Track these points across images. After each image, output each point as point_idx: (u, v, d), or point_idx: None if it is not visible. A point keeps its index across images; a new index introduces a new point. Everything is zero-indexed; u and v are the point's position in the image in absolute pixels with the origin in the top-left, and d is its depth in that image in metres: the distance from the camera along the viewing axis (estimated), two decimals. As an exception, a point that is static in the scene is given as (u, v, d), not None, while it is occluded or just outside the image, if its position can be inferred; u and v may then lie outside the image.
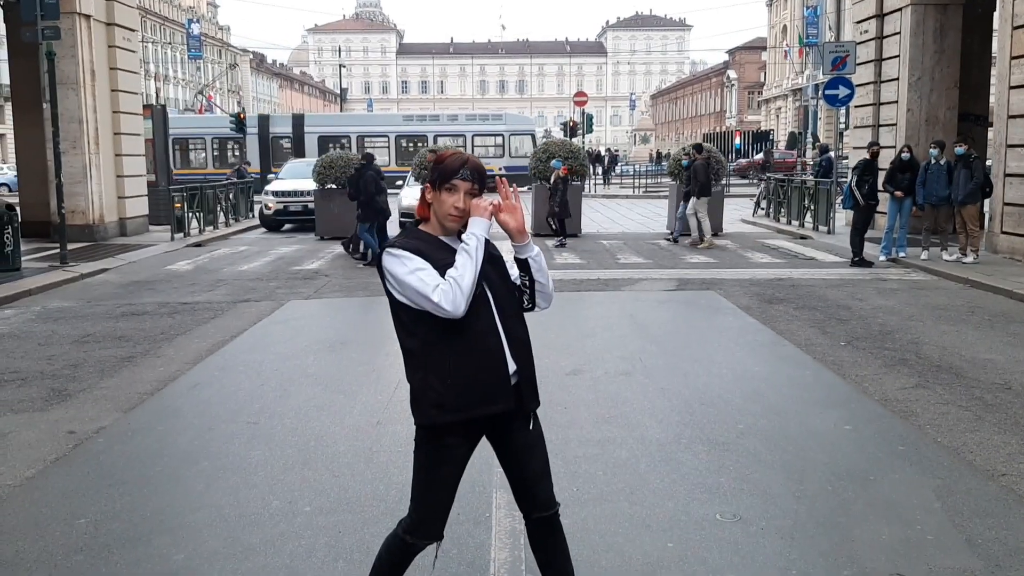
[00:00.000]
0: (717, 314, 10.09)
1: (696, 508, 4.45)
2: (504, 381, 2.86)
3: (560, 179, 17.20)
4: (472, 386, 2.82)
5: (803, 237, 18.06)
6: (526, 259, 2.90)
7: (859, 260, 13.85)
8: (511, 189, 2.88)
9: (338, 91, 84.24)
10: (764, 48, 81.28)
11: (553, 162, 18.10)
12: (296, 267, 14.30)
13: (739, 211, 23.53)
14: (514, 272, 2.96)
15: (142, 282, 12.78)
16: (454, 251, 2.80)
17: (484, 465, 5.01)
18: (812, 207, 19.36)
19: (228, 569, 3.81)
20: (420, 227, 2.96)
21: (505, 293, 2.93)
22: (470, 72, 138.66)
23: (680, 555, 3.95)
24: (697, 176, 16.62)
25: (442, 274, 2.75)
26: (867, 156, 14.23)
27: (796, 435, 5.61)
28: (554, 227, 17.51)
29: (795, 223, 19.94)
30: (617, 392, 6.64)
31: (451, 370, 2.81)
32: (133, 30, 19.67)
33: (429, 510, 2.99)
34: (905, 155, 14.00)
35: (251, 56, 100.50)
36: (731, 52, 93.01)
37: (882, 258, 14.10)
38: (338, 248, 16.84)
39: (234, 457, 5.30)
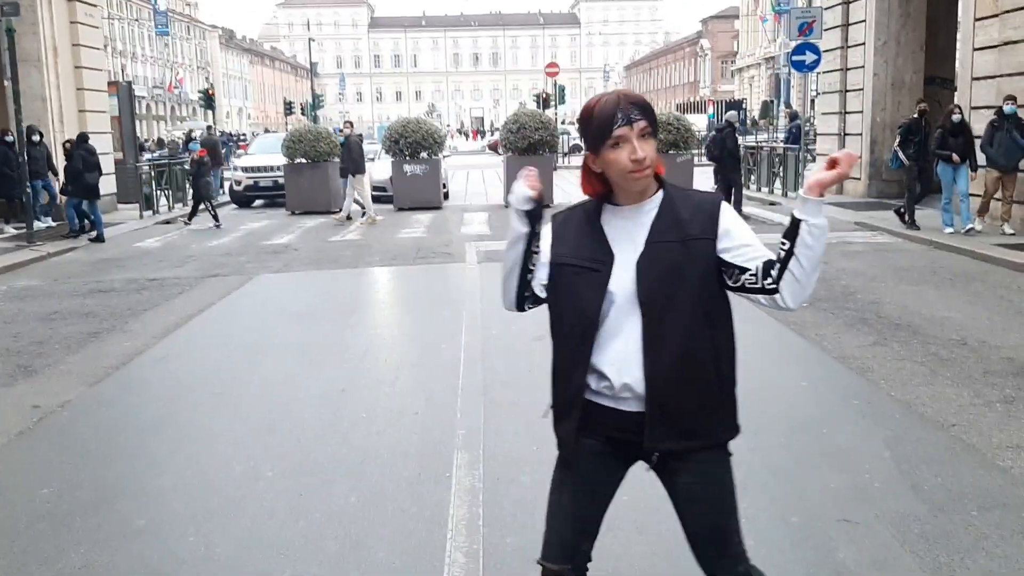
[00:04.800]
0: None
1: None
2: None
3: None
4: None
5: (772, 203, 18.20)
6: (800, 221, 2.13)
7: (911, 223, 13.10)
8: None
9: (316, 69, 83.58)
10: (737, 17, 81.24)
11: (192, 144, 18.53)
12: (266, 242, 14.27)
13: (710, 178, 23.58)
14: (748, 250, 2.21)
15: (110, 260, 12.72)
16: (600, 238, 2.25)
17: (447, 426, 5.11)
18: (781, 174, 19.50)
19: (189, 531, 3.86)
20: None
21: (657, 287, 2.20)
22: (443, 45, 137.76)
23: (635, 505, 4.03)
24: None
25: (579, 260, 2.26)
26: (915, 115, 13.56)
27: (753, 391, 5.66)
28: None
29: (764, 189, 20.08)
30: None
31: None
32: (95, 5, 19.41)
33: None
34: (956, 116, 12.42)
35: (220, 32, 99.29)
36: (704, 21, 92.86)
37: (948, 230, 12.34)
38: (308, 222, 16.82)
39: (199, 426, 5.34)
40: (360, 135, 17.14)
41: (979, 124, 13.76)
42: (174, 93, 78.08)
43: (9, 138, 15.31)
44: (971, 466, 4.40)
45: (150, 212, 18.43)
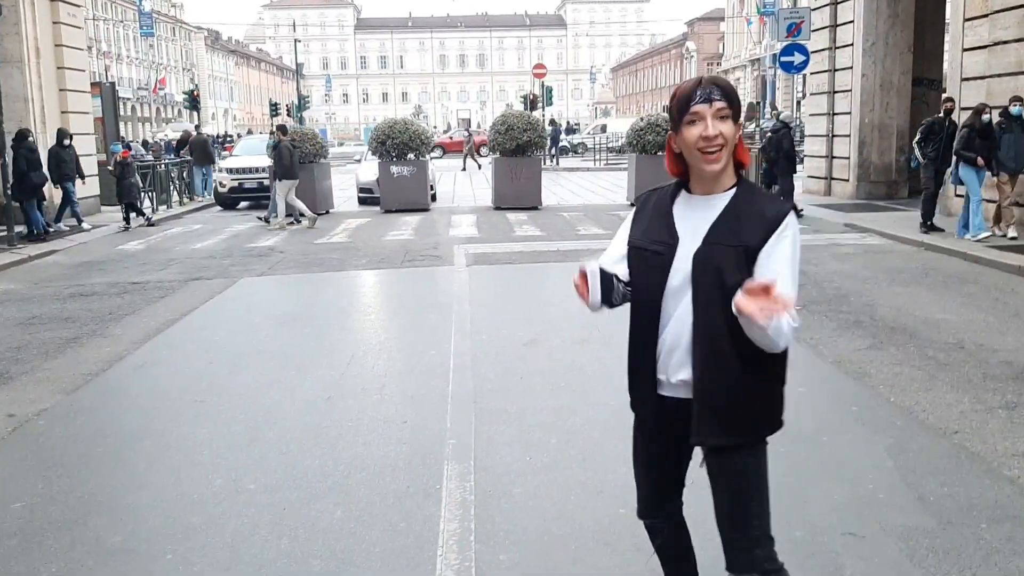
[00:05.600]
0: (675, 282, 10.05)
1: (649, 473, 4.40)
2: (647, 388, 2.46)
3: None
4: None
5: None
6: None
7: (930, 226, 12.48)
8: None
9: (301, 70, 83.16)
10: (722, 19, 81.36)
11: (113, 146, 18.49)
12: (251, 244, 14.06)
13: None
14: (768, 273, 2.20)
15: (92, 263, 12.50)
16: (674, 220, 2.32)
17: (436, 436, 4.96)
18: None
19: (167, 550, 3.69)
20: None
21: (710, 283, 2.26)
22: (429, 46, 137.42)
23: (633, 520, 3.88)
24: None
25: (649, 243, 2.35)
26: (940, 114, 12.99)
27: (751, 398, 5.59)
28: None
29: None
30: (573, 360, 6.57)
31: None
32: (78, 6, 19.14)
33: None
34: (987, 116, 11.69)
35: (205, 33, 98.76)
36: (690, 23, 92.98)
37: (982, 235, 11.69)
38: (294, 225, 16.61)
39: (179, 436, 5.16)
40: (293, 140, 16.93)
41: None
42: (159, 95, 77.61)
43: (30, 139, 15.28)
44: (977, 475, 4.27)
45: (134, 214, 18.14)
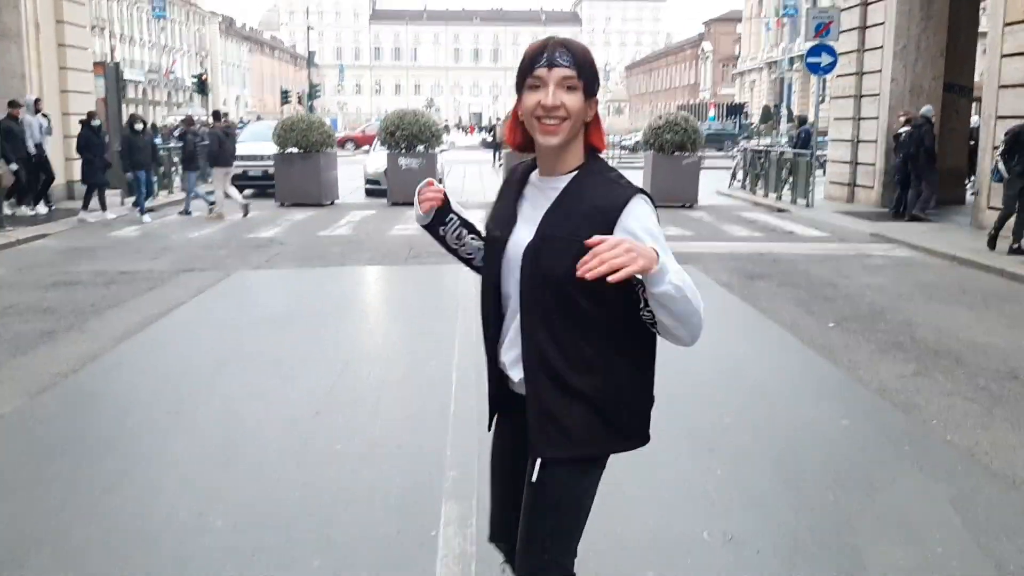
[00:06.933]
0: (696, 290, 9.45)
1: (679, 523, 3.80)
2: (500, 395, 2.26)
3: None
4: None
5: (781, 210, 17.48)
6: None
7: (1017, 248, 11.08)
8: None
9: (313, 59, 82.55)
10: (739, 20, 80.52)
11: None
12: (250, 234, 13.48)
13: (714, 182, 22.89)
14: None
15: (82, 249, 11.93)
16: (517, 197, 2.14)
17: (435, 465, 4.37)
18: (791, 179, 18.78)
19: (111, 604, 3.11)
20: None
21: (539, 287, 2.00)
22: (443, 40, 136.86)
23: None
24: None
25: (493, 226, 2.17)
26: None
27: (788, 431, 4.99)
28: None
29: (772, 195, 19.37)
30: (588, 378, 5.97)
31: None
32: (82, -19, 18.60)
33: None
34: None
35: (220, 19, 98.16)
36: (707, 24, 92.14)
37: None
38: (298, 214, 16.06)
39: (145, 454, 4.58)
40: (228, 126, 16.36)
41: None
42: (170, 79, 77.04)
43: (95, 122, 14.89)
44: (1061, 540, 3.67)
45: (132, 198, 17.58)
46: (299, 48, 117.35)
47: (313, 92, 51.08)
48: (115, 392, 5.74)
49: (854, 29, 18.05)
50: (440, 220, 2.31)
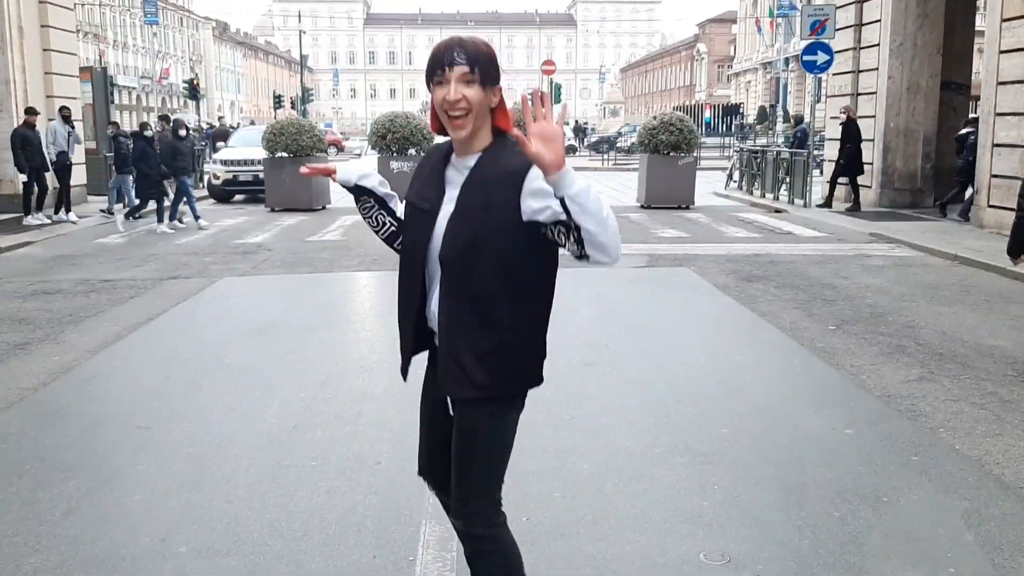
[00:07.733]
0: (692, 293, 9.22)
1: (674, 544, 3.56)
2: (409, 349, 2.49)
3: None
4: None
5: (778, 211, 17.26)
6: (562, 198, 2.07)
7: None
8: (541, 104, 2.08)
9: (306, 62, 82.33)
10: (734, 21, 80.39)
11: None
12: (238, 240, 13.23)
13: (710, 184, 22.68)
14: (548, 210, 2.16)
15: (66, 256, 11.68)
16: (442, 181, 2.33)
17: (414, 483, 4.11)
18: (788, 180, 18.57)
19: (57, 643, 2.87)
20: None
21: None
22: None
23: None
24: None
25: (420, 200, 2.37)
26: None
27: (789, 441, 4.75)
28: None
29: (769, 196, 19.16)
30: (580, 387, 5.72)
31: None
32: (68, -15, 18.35)
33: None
34: None
35: (214, 24, 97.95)
36: (701, 25, 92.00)
37: None
38: (287, 220, 15.81)
39: (111, 474, 4.33)
40: (178, 132, 15.46)
41: (1005, 131, 12.88)
42: (163, 85, 76.80)
43: (148, 132, 14.69)
44: (1083, 559, 3.43)
45: (120, 205, 17.34)
46: (294, 53, 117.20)
47: (306, 96, 50.82)
48: (85, 407, 5.49)
49: (850, 27, 17.84)
50: (356, 196, 2.53)
